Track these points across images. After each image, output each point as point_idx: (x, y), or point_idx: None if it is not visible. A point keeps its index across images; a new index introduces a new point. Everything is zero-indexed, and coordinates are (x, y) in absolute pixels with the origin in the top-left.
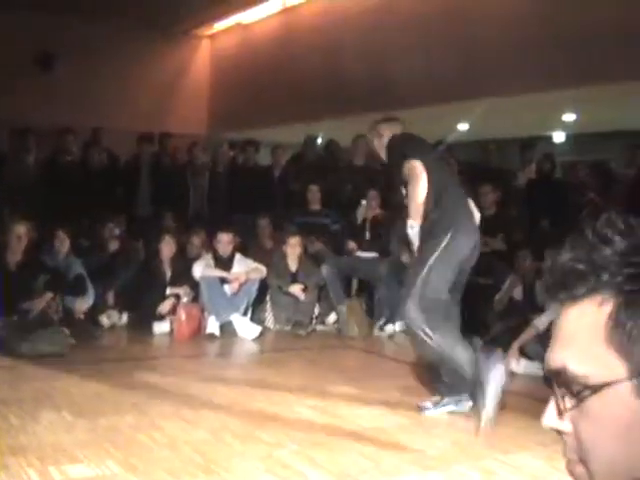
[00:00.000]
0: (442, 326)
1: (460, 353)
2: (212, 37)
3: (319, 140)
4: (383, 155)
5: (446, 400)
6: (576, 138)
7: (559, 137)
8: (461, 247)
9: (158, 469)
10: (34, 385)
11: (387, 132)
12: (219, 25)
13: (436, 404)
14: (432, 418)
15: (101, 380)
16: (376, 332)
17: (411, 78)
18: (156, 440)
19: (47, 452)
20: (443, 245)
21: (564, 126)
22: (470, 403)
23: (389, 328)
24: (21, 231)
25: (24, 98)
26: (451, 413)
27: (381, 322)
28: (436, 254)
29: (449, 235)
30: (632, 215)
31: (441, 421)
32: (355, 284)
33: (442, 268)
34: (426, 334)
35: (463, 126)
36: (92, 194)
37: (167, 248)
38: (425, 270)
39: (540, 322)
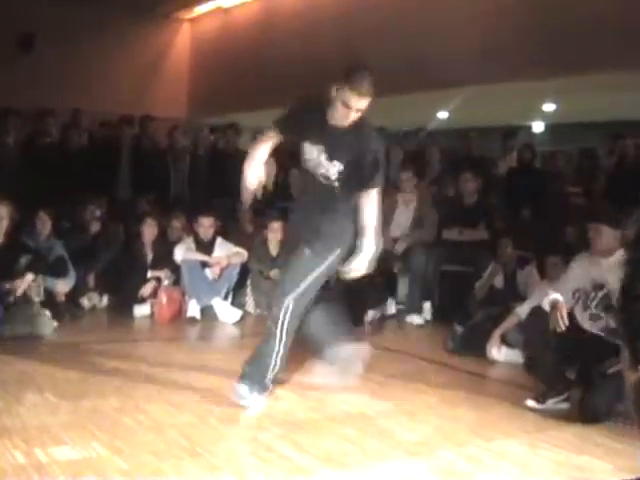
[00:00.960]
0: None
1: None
2: (193, 20)
3: None
4: None
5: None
6: (555, 128)
7: (539, 127)
8: None
9: (144, 452)
10: (16, 367)
11: None
12: (200, 8)
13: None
14: (414, 404)
15: (83, 362)
16: None
17: (391, 64)
18: (141, 423)
19: (32, 434)
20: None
21: (544, 116)
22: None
23: (371, 314)
24: (2, 212)
25: (4, 79)
26: (438, 400)
27: None
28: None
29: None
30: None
31: (423, 407)
32: None
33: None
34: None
35: (443, 114)
36: (71, 176)
37: (149, 231)
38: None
39: (522, 310)
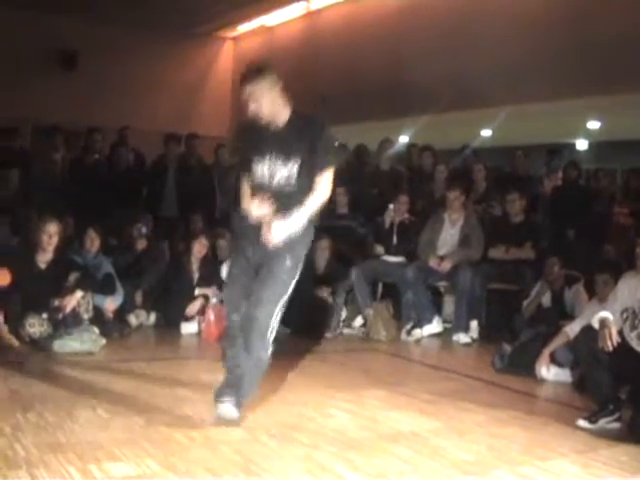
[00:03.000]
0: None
1: None
2: (236, 39)
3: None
4: None
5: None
6: (599, 146)
7: (583, 144)
8: None
9: (198, 468)
10: (67, 383)
11: None
12: (243, 27)
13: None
14: (464, 423)
15: (133, 379)
16: (403, 336)
17: (435, 83)
18: (193, 439)
19: (86, 450)
20: None
21: (588, 134)
22: None
23: (416, 332)
24: (52, 229)
25: (48, 97)
26: (488, 419)
27: (408, 326)
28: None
29: None
30: None
31: (473, 426)
32: (380, 288)
33: None
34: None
35: (487, 132)
36: (118, 193)
37: (199, 249)
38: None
39: (571, 329)
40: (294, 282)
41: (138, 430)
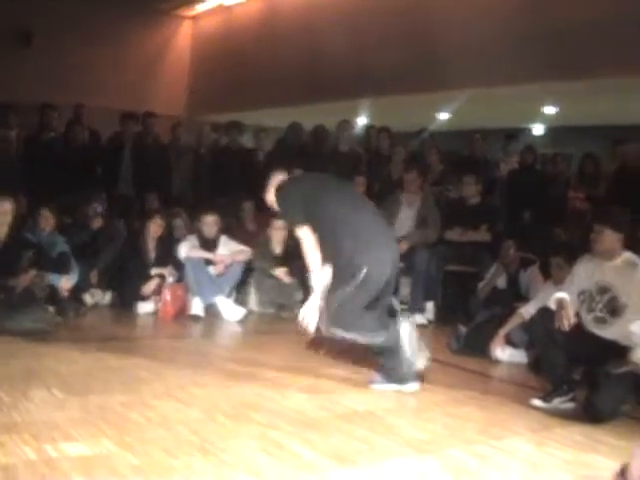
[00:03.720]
0: (360, 323)
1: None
2: (194, 18)
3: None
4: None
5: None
6: (555, 131)
7: (539, 129)
8: (375, 281)
9: (154, 448)
10: (22, 362)
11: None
12: (201, 6)
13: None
14: (421, 403)
15: (89, 359)
16: None
17: (394, 65)
18: (150, 419)
19: (41, 430)
20: (358, 281)
21: (545, 119)
22: (416, 384)
23: None
24: (6, 208)
25: (3, 75)
26: (444, 399)
27: None
28: (349, 289)
29: (364, 272)
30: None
31: (430, 406)
32: None
33: (353, 301)
34: (347, 336)
35: (445, 115)
36: (74, 171)
37: (155, 228)
38: (336, 304)
39: (526, 311)
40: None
41: (94, 410)
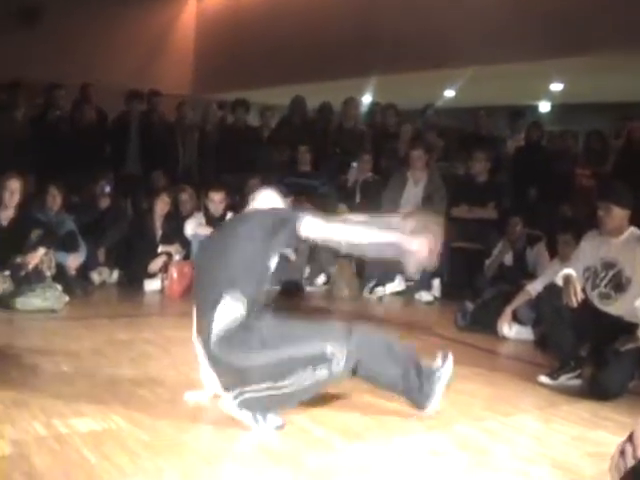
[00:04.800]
0: None
1: None
2: None
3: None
4: None
5: None
6: (562, 108)
7: (545, 107)
8: None
9: (163, 423)
10: (31, 340)
11: None
12: None
13: None
14: None
15: (97, 336)
16: (365, 294)
17: (401, 43)
18: (158, 395)
19: (50, 405)
20: None
21: (551, 96)
22: None
23: (379, 290)
24: (13, 186)
25: (9, 53)
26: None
27: (371, 284)
28: None
29: None
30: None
31: None
32: None
33: None
34: None
35: (451, 92)
36: (81, 151)
37: (161, 206)
38: None
39: (533, 287)
40: None
41: (103, 386)
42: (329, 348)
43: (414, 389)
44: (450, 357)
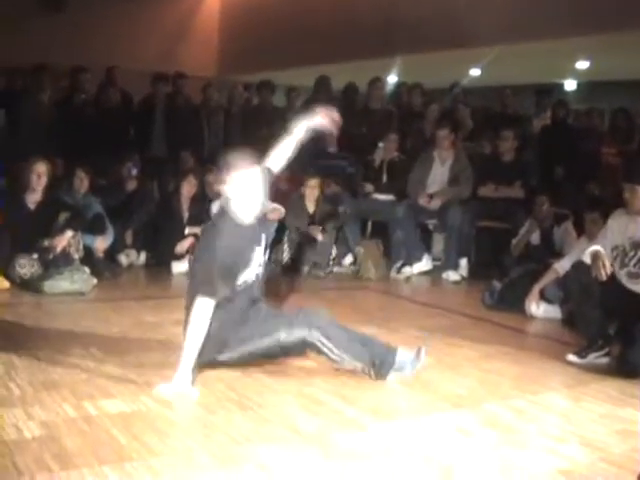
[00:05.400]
0: None
1: None
2: None
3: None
4: None
5: None
6: (588, 86)
7: (571, 85)
8: None
9: (193, 405)
10: (59, 323)
11: None
12: None
13: None
14: (455, 358)
15: (125, 318)
16: (393, 274)
17: (425, 21)
18: None
19: (80, 387)
20: None
21: (577, 74)
22: None
23: (406, 270)
24: (41, 169)
25: (34, 37)
26: (479, 355)
27: (398, 264)
28: None
29: None
30: None
31: (465, 362)
32: (370, 226)
33: None
34: None
35: (477, 71)
36: (106, 133)
37: (188, 188)
38: None
39: (560, 266)
40: None
41: (131, 368)
42: (283, 335)
43: (374, 363)
44: (423, 354)
